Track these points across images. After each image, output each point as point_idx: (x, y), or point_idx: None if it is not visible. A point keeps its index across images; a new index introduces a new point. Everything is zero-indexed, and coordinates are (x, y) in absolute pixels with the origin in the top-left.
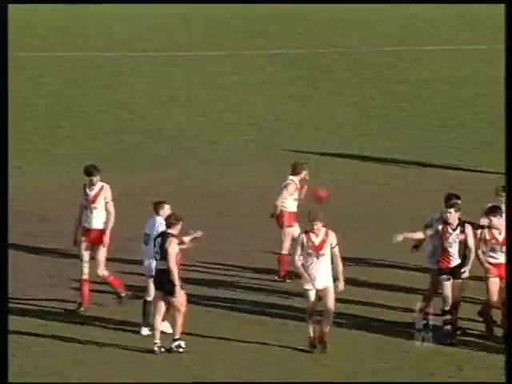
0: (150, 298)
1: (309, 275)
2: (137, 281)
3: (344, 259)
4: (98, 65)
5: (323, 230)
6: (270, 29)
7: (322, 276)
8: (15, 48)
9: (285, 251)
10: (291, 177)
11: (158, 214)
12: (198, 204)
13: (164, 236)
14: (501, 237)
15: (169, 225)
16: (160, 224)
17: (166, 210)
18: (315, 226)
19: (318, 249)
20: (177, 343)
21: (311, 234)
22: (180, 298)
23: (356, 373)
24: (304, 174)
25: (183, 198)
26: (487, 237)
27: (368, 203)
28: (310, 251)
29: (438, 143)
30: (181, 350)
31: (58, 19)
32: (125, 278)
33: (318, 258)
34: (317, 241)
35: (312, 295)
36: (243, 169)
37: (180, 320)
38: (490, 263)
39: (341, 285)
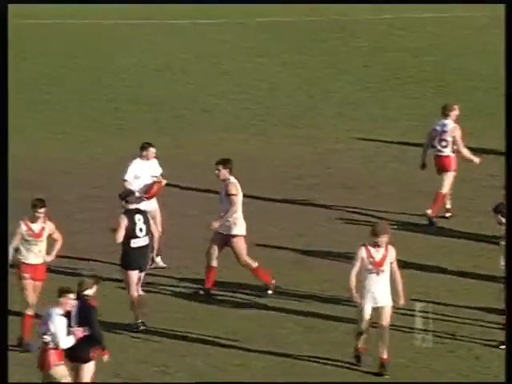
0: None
1: (367, 292)
2: None
3: (338, 224)
4: (91, 33)
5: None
6: None
7: (381, 293)
8: None
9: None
10: (446, 120)
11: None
12: (191, 171)
13: (144, 213)
14: None
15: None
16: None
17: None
18: (380, 239)
19: (378, 265)
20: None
21: (371, 249)
22: None
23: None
24: (456, 113)
25: (176, 166)
26: None
27: (360, 171)
28: (369, 267)
29: (432, 111)
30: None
31: None
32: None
33: (378, 274)
34: (378, 256)
35: (368, 313)
36: (236, 137)
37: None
38: None
39: (402, 301)
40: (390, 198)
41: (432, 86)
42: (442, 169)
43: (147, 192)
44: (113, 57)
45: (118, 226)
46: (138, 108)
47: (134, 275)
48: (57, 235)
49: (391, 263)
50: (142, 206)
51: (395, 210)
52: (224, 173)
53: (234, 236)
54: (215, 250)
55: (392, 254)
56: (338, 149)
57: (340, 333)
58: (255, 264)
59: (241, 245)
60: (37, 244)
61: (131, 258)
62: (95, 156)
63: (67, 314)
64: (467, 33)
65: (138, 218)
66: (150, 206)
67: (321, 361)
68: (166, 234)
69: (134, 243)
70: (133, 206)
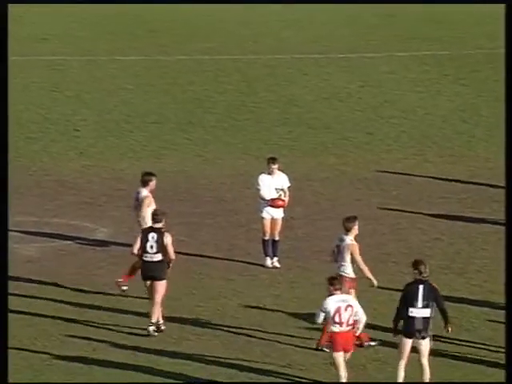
0: (266, 238)
1: None
2: None
3: (490, 236)
4: (270, 66)
5: None
6: (421, 33)
7: None
8: (199, 53)
9: None
10: None
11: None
12: (353, 187)
13: (158, 231)
14: None
15: (158, 220)
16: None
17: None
18: None
19: None
20: (153, 327)
21: None
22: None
23: None
24: None
25: (342, 182)
26: None
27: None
28: None
29: None
30: (156, 334)
31: (234, 24)
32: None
33: None
34: None
35: None
36: (395, 156)
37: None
38: None
39: None
40: None
41: None
42: None
43: (271, 203)
44: (289, 87)
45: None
46: (308, 131)
47: (147, 284)
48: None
49: None
50: (275, 213)
51: None
52: None
53: None
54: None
55: None
56: (489, 167)
57: None
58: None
59: None
60: None
61: (142, 270)
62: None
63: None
64: None
65: (152, 236)
66: (277, 213)
67: None
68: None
69: (145, 257)
70: (158, 225)
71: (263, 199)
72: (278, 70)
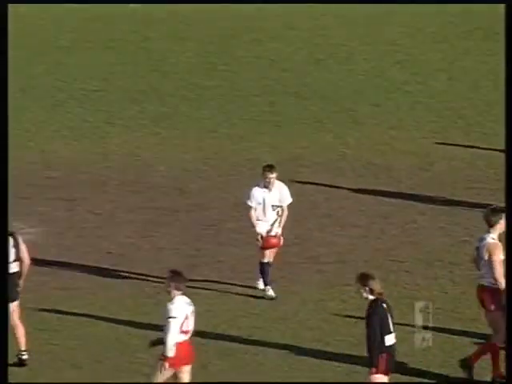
0: (265, 260)
1: None
2: None
3: None
4: (246, 17)
5: None
6: None
7: None
8: None
9: None
10: None
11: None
12: (359, 175)
13: (12, 234)
14: None
15: None
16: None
17: None
18: None
19: None
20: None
21: None
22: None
23: None
24: None
25: (341, 168)
26: None
27: None
28: None
29: None
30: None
31: None
32: None
33: None
34: None
35: None
36: (409, 134)
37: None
38: None
39: None
40: None
41: None
42: None
43: (263, 244)
44: (272, 45)
45: None
46: (297, 102)
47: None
48: None
49: None
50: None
51: None
52: None
53: None
54: None
55: None
56: None
57: None
58: None
59: None
60: None
61: None
62: (250, 157)
63: None
64: None
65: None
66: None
67: None
68: (334, 244)
69: None
70: None
71: (253, 226)
72: (258, 23)
